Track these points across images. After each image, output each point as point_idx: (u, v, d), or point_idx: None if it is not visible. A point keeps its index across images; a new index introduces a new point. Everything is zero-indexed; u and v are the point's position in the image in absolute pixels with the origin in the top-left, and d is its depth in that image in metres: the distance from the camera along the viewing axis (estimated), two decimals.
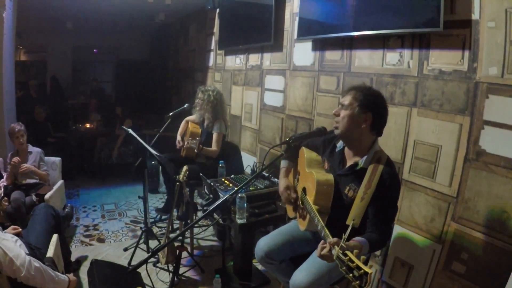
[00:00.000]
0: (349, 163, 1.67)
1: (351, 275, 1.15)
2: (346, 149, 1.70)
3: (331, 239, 1.32)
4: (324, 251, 1.32)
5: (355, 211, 1.50)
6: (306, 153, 1.81)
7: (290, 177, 1.94)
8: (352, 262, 1.16)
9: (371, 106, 1.56)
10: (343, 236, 1.26)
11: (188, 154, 3.14)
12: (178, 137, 3.34)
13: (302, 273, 1.62)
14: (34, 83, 6.22)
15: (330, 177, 1.63)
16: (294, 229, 1.93)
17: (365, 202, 1.50)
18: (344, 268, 1.18)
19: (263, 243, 1.88)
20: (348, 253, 1.19)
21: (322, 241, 1.38)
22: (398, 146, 2.12)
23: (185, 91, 5.95)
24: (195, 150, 2.93)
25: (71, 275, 2.02)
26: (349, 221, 1.46)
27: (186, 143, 3.00)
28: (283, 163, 1.97)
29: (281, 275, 1.89)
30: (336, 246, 1.24)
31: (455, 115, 1.81)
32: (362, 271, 1.12)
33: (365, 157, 1.59)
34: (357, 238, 1.43)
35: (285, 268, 1.85)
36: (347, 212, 1.52)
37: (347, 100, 1.59)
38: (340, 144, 1.74)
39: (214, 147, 3.12)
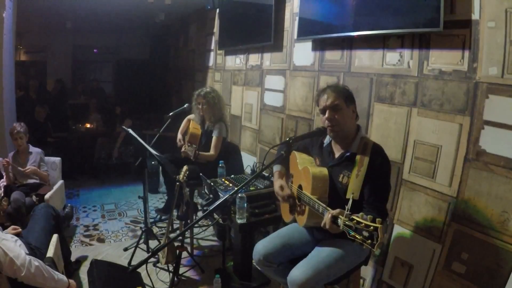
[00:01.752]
0: (338, 153, 1.77)
1: (361, 237, 1.21)
2: (333, 142, 1.81)
3: (333, 210, 1.43)
4: (327, 221, 1.42)
5: (352, 186, 1.61)
6: (297, 155, 1.91)
7: (284, 179, 2.00)
8: (360, 223, 1.24)
9: (351, 97, 1.74)
10: (346, 207, 1.35)
11: (186, 157, 3.14)
12: (179, 135, 3.34)
13: (299, 270, 1.63)
14: (34, 83, 6.23)
15: (323, 169, 1.74)
16: (292, 232, 1.94)
17: (360, 178, 1.60)
18: (353, 233, 1.25)
19: (261, 246, 1.88)
20: (354, 216, 1.27)
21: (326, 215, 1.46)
22: (398, 146, 2.12)
23: (185, 91, 5.95)
24: (191, 158, 2.92)
25: (71, 281, 2.02)
26: (349, 195, 1.53)
27: (183, 148, 3.00)
28: (276, 168, 2.05)
29: (280, 277, 1.90)
30: (341, 216, 1.33)
31: (455, 115, 1.81)
32: (371, 227, 1.20)
33: (353, 143, 1.71)
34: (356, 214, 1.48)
35: (283, 270, 1.85)
36: (345, 200, 1.54)
37: (332, 101, 1.68)
38: (327, 139, 1.85)
39: (211, 151, 3.08)
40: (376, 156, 1.63)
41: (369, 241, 1.19)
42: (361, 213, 1.28)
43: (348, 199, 1.42)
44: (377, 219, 1.21)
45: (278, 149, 2.10)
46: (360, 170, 1.61)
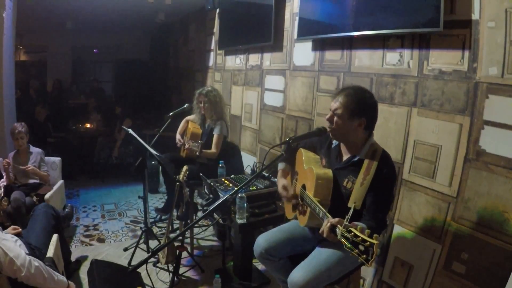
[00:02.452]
0: (345, 157, 1.74)
1: (357, 250, 1.20)
2: (341, 144, 1.77)
3: (333, 219, 1.39)
4: (325, 229, 1.39)
5: (355, 195, 1.57)
6: (304, 153, 1.87)
7: (288, 178, 1.99)
8: (357, 237, 1.22)
9: (363, 112, 1.62)
10: (345, 217, 1.32)
11: (188, 155, 3.14)
12: (178, 136, 3.34)
13: (300, 271, 1.62)
14: (34, 83, 6.23)
15: (328, 171, 1.70)
16: (294, 227, 1.94)
17: (365, 187, 1.56)
18: (350, 245, 1.23)
19: (263, 239, 1.89)
20: (352, 229, 1.25)
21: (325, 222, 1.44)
22: (398, 146, 2.12)
23: (185, 91, 5.96)
24: (197, 153, 2.92)
25: (71, 283, 2.01)
26: (351, 204, 1.52)
27: (187, 144, 3.00)
28: (280, 165, 2.03)
29: (279, 273, 1.90)
30: (339, 226, 1.30)
31: (455, 115, 1.81)
32: (367, 243, 1.18)
33: (361, 150, 1.66)
34: (356, 223, 1.46)
35: (283, 265, 1.86)
36: (347, 206, 1.54)
37: (336, 109, 1.64)
38: (335, 141, 1.81)
39: (213, 149, 3.09)
40: (384, 165, 1.60)
41: (364, 256, 1.18)
42: (359, 226, 1.27)
43: (350, 207, 1.41)
44: (374, 235, 1.19)
45: (283, 149, 2.09)
46: (366, 179, 1.57)
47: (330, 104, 1.70)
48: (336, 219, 1.37)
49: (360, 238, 1.20)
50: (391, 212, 2.16)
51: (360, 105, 1.62)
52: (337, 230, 1.33)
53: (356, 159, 1.67)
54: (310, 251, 1.76)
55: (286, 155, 1.90)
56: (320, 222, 1.52)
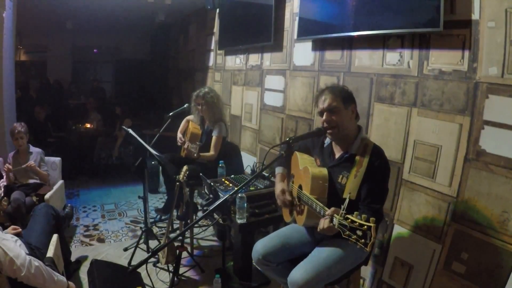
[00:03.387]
0: (338, 154, 1.78)
1: (355, 236, 1.23)
2: (333, 143, 1.81)
3: (329, 209, 1.44)
4: (325, 222, 1.43)
5: (350, 186, 1.61)
6: (299, 156, 1.91)
7: (285, 182, 2.01)
8: (354, 222, 1.25)
9: (351, 97, 1.74)
10: (342, 206, 1.36)
11: (188, 156, 3.14)
12: (179, 134, 3.34)
13: (300, 271, 1.63)
14: (34, 83, 6.24)
15: (323, 169, 1.75)
16: (292, 232, 1.94)
17: (359, 179, 1.61)
18: (348, 232, 1.27)
19: (260, 245, 1.88)
20: (349, 215, 1.29)
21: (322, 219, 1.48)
22: (398, 146, 2.12)
23: (185, 91, 5.95)
24: (195, 155, 2.92)
25: (71, 283, 2.01)
26: (346, 195, 1.55)
27: (186, 145, 3.00)
28: (278, 170, 2.06)
29: (279, 276, 1.90)
30: (336, 215, 1.35)
31: (455, 115, 1.81)
32: (365, 227, 1.22)
33: (353, 144, 1.70)
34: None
35: (282, 269, 1.86)
36: (343, 200, 1.54)
37: (330, 103, 1.69)
38: (327, 140, 1.85)
39: (211, 151, 3.09)
40: (376, 158, 1.63)
41: (363, 240, 1.21)
42: (355, 213, 1.29)
43: (345, 199, 1.43)
44: (371, 219, 1.22)
45: (280, 149, 2.10)
46: (359, 171, 1.61)
47: (319, 107, 1.73)
48: (333, 209, 1.43)
49: (357, 223, 1.24)
50: (391, 212, 2.16)
51: (346, 93, 1.73)
52: (334, 219, 1.36)
53: (348, 154, 1.70)
54: (309, 253, 1.76)
55: (286, 155, 1.90)
56: (317, 220, 1.54)
